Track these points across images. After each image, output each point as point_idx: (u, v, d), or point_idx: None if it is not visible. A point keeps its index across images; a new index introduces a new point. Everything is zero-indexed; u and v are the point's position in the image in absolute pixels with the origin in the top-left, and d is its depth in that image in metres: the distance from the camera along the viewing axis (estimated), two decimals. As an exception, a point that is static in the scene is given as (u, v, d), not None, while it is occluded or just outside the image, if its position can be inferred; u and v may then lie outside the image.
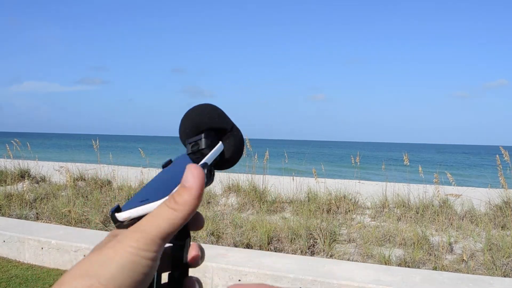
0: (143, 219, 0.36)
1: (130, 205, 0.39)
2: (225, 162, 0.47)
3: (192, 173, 0.37)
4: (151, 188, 0.43)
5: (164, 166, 0.47)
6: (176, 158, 0.48)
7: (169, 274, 0.41)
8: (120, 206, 0.40)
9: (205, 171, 0.39)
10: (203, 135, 0.45)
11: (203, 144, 0.44)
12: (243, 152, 0.49)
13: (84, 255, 4.55)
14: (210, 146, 0.44)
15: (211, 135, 0.45)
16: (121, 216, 0.39)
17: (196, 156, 0.44)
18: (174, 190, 0.37)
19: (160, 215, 0.36)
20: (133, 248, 0.34)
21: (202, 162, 0.41)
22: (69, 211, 5.92)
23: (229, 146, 0.47)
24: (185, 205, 0.36)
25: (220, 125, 0.46)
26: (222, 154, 0.46)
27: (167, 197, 0.37)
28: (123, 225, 0.39)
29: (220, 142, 0.45)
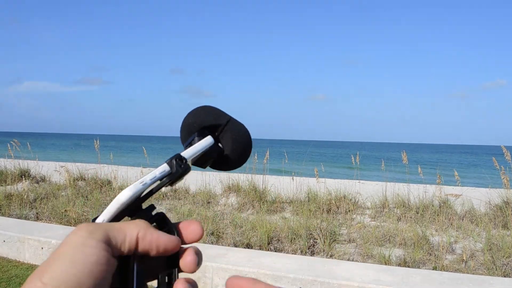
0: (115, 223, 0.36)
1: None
2: (227, 160, 0.46)
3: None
4: None
5: None
6: None
7: None
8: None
9: (175, 160, 0.40)
10: (195, 134, 0.44)
11: (195, 143, 0.44)
12: (250, 148, 0.47)
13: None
14: None
15: (204, 133, 0.44)
16: (97, 220, 0.39)
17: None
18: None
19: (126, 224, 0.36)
20: (81, 236, 0.33)
21: (174, 155, 0.41)
22: (69, 211, 5.92)
23: (227, 143, 0.45)
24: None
25: (212, 122, 0.45)
26: (221, 152, 0.45)
27: (127, 188, 0.38)
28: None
29: (209, 136, 0.44)
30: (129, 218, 0.40)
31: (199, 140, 0.44)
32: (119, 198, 0.38)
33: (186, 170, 0.41)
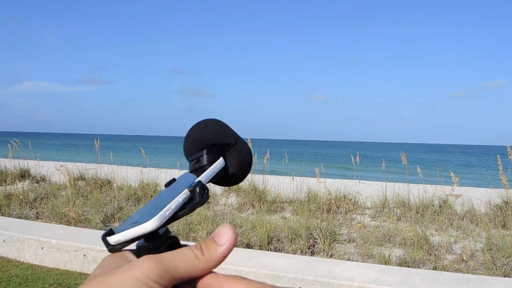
0: (166, 253, 0.36)
1: (122, 227, 0.38)
2: (230, 178, 0.46)
3: (227, 233, 0.37)
4: (146, 209, 0.41)
5: (166, 185, 0.45)
6: (180, 177, 0.46)
7: None
8: (113, 229, 0.39)
9: (198, 189, 0.39)
10: (205, 151, 0.43)
11: (204, 160, 0.43)
12: (250, 168, 0.47)
13: (84, 255, 4.48)
14: (212, 163, 0.43)
15: (213, 151, 0.44)
16: (112, 239, 0.38)
17: (198, 173, 0.42)
18: (205, 246, 0.37)
19: (182, 256, 0.36)
20: (144, 276, 0.34)
21: (196, 180, 0.40)
22: (69, 211, 5.93)
23: (232, 162, 0.45)
24: (209, 261, 0.36)
25: (222, 140, 0.44)
26: (226, 170, 0.45)
27: (154, 218, 0.37)
28: (114, 248, 0.38)
29: (221, 158, 0.44)
30: (144, 241, 0.39)
31: (208, 158, 0.43)
32: (146, 227, 0.37)
33: (207, 199, 0.40)
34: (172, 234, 0.40)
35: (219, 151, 0.44)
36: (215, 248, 0.36)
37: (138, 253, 0.39)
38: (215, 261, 0.36)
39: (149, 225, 0.37)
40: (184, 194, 0.39)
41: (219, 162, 0.43)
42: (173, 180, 0.46)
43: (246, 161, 0.46)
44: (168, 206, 0.38)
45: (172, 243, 0.40)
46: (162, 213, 0.37)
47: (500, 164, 5.96)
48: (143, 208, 0.42)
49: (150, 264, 0.34)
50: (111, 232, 0.39)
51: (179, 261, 0.35)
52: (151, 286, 0.33)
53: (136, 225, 0.37)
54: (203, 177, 0.41)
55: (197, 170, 0.43)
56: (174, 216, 0.38)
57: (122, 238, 0.37)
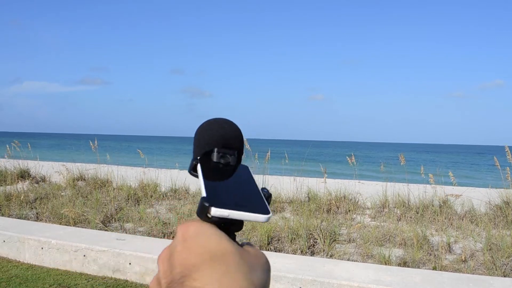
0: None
1: (223, 204, 0.40)
2: None
3: None
4: (239, 192, 0.44)
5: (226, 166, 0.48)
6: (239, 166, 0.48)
7: None
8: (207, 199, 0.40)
9: (269, 199, 0.44)
10: (236, 152, 0.47)
11: (232, 161, 0.46)
12: None
13: (84, 255, 4.49)
14: (236, 166, 0.46)
15: (238, 155, 0.48)
16: (217, 212, 0.39)
17: (222, 167, 0.45)
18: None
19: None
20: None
21: (264, 188, 0.45)
22: (70, 211, 5.92)
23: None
24: None
25: (242, 151, 0.49)
26: None
27: (270, 214, 0.40)
28: (207, 217, 0.39)
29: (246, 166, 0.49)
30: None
31: (237, 160, 0.47)
32: (261, 218, 0.40)
33: None
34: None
35: (240, 158, 0.48)
36: None
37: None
38: None
39: (262, 219, 0.40)
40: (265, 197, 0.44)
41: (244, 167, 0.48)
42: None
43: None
44: (267, 203, 0.42)
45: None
46: (269, 208, 0.41)
47: (498, 165, 5.96)
48: (232, 188, 0.44)
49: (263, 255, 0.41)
50: (208, 200, 0.40)
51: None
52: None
53: (245, 210, 0.40)
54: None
55: (220, 164, 0.46)
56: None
57: (231, 216, 0.40)
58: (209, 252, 0.37)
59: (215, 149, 0.46)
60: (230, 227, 0.42)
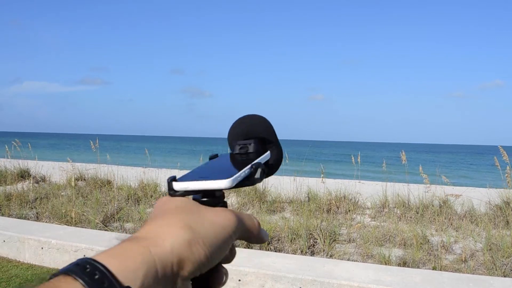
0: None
1: (187, 178, 0.43)
2: (268, 169, 0.51)
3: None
4: (209, 170, 0.46)
5: (211, 158, 0.52)
6: (222, 154, 0.52)
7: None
8: (176, 177, 0.44)
9: (260, 169, 0.44)
10: (253, 140, 0.50)
11: (251, 148, 0.49)
12: (281, 164, 0.53)
13: (84, 255, 4.57)
14: (257, 152, 0.49)
15: (259, 143, 0.50)
16: (178, 185, 0.43)
17: (242, 157, 0.48)
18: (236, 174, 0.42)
19: (246, 214, 0.42)
20: (233, 221, 0.39)
21: (256, 160, 0.46)
22: (70, 211, 5.92)
23: (272, 157, 0.51)
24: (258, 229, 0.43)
25: (268, 137, 0.51)
26: (266, 162, 0.50)
27: (230, 178, 0.41)
28: (176, 194, 0.43)
29: (268, 151, 0.50)
30: (199, 197, 0.44)
31: (255, 147, 0.49)
32: (222, 184, 0.41)
33: (263, 179, 0.46)
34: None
35: (263, 145, 0.50)
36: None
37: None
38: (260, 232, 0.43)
39: (225, 183, 0.41)
40: (248, 168, 0.44)
41: (267, 154, 0.49)
42: (216, 155, 0.52)
43: (280, 158, 0.52)
44: (240, 172, 0.42)
45: (224, 206, 0.44)
46: (236, 176, 0.42)
47: (498, 165, 5.95)
48: (201, 169, 0.47)
49: (232, 213, 0.40)
50: (175, 179, 0.43)
51: (245, 217, 0.41)
52: (234, 231, 0.39)
53: (206, 180, 0.41)
54: (261, 159, 0.47)
55: (242, 154, 0.49)
56: (238, 184, 0.43)
57: (191, 187, 0.42)
58: (163, 206, 0.41)
59: (235, 143, 0.50)
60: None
